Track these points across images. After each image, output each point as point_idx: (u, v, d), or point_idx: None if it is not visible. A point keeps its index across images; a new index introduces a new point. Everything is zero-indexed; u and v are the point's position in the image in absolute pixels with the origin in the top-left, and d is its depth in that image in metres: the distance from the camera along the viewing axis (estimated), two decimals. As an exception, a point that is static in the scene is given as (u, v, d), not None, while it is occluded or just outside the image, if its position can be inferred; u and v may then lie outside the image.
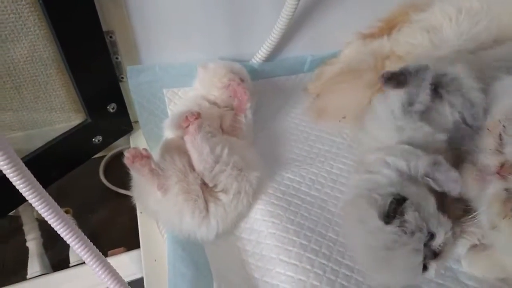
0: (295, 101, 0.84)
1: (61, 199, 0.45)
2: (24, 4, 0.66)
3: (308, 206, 0.61)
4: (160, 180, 0.53)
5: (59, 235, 0.45)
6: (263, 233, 0.58)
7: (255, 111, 0.76)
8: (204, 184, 0.56)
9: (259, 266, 0.55)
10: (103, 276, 0.47)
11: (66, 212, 0.79)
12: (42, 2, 0.59)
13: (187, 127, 0.56)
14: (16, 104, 0.77)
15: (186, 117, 0.56)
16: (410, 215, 0.46)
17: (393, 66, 0.78)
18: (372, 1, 0.82)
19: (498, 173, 0.45)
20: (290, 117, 0.79)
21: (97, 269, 0.47)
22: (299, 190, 0.64)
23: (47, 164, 0.66)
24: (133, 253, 0.67)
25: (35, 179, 0.42)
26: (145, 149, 0.54)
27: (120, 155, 0.58)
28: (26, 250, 0.73)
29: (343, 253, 0.55)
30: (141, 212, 0.66)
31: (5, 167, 0.39)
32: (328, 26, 0.83)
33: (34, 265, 0.71)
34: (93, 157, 1.00)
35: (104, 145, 0.75)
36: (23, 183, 0.41)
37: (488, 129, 0.49)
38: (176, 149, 0.58)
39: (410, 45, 0.80)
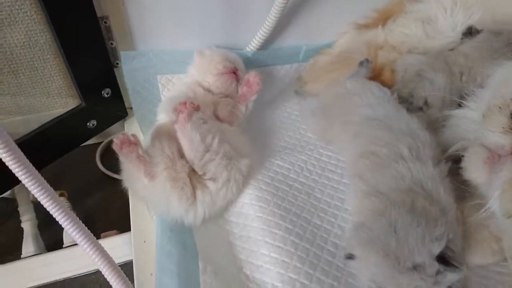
0: (289, 90, 0.85)
1: (57, 182, 0.47)
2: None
3: (295, 192, 0.63)
4: (147, 167, 0.55)
5: (53, 217, 0.46)
6: (251, 216, 0.59)
7: None
8: (192, 171, 0.57)
9: (245, 247, 0.56)
10: (94, 257, 0.48)
11: (61, 195, 0.81)
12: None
13: (179, 113, 0.57)
14: (14, 88, 0.78)
15: (185, 103, 0.56)
16: None
17: (386, 56, 0.79)
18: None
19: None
20: (283, 106, 0.80)
21: (88, 250, 0.47)
22: (287, 177, 0.65)
23: (42, 146, 0.68)
24: (126, 236, 0.69)
25: (28, 161, 0.43)
26: (134, 135, 0.55)
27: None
28: (21, 231, 0.75)
29: (326, 239, 0.56)
30: (132, 195, 0.67)
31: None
32: (323, 16, 0.83)
33: (28, 246, 0.73)
34: (90, 143, 1.03)
35: (99, 129, 0.76)
36: (16, 164, 0.42)
37: (499, 107, 0.48)
38: (166, 134, 0.59)
39: (404, 35, 0.81)
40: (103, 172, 0.94)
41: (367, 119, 0.61)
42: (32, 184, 0.43)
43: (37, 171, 0.44)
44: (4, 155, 0.41)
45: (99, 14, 0.66)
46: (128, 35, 0.72)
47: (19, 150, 0.42)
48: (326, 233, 0.57)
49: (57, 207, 0.45)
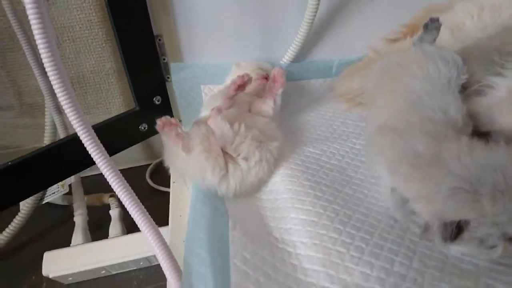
0: (322, 100, 0.89)
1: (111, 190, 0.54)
2: (95, 21, 0.83)
3: (327, 170, 0.63)
4: (185, 141, 0.61)
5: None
6: (281, 191, 0.60)
7: (281, 108, 0.83)
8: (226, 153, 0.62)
9: (275, 216, 0.57)
10: (151, 239, 0.51)
11: (111, 196, 0.88)
12: (111, 17, 0.72)
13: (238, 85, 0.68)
14: (82, 109, 0.92)
15: (242, 76, 0.67)
16: None
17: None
18: (395, 6, 0.89)
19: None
20: (316, 110, 0.84)
21: (148, 233, 0.49)
22: (319, 160, 0.66)
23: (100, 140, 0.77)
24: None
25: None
26: (174, 119, 0.62)
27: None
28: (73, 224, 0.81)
29: (359, 204, 0.55)
30: (174, 182, 0.72)
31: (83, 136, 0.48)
32: (353, 31, 0.90)
33: (78, 236, 0.78)
34: (142, 165, 1.13)
35: (149, 133, 0.85)
36: (94, 147, 0.49)
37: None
38: (204, 122, 0.66)
39: (433, 42, 0.84)
40: (151, 187, 1.02)
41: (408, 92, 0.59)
42: (106, 168, 0.49)
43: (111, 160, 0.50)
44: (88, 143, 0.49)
45: (154, 33, 0.80)
46: (178, 51, 0.84)
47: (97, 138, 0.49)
48: (359, 200, 0.56)
49: (124, 188, 0.50)
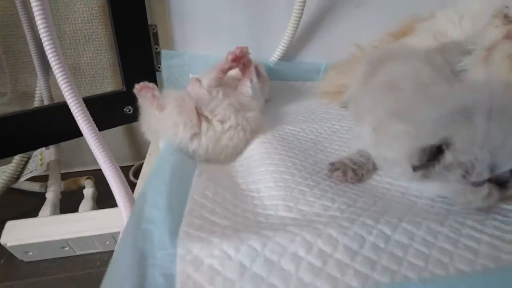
0: (307, 100, 0.90)
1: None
2: (96, 15, 0.88)
3: (302, 141, 0.62)
4: (159, 101, 0.62)
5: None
6: (254, 155, 0.59)
7: (268, 104, 0.84)
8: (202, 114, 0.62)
9: (244, 174, 0.55)
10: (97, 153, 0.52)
11: (88, 178, 0.86)
12: (109, 5, 0.78)
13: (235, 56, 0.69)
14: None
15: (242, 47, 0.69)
16: None
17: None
18: (381, 15, 0.93)
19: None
20: (301, 103, 0.85)
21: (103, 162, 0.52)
22: (296, 135, 0.65)
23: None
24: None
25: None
26: (153, 84, 0.64)
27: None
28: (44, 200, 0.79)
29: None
30: (149, 154, 0.71)
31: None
32: (340, 36, 0.94)
33: (45, 210, 0.75)
34: (125, 165, 1.12)
35: (134, 117, 0.85)
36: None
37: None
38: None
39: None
40: (133, 183, 1.00)
41: None
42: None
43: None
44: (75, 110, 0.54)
45: (149, 22, 0.84)
46: (171, 41, 0.88)
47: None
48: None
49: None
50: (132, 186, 0.96)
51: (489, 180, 0.38)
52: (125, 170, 1.07)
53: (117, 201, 0.48)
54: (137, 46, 0.83)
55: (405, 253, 0.33)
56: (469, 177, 0.38)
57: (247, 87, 0.73)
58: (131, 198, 0.48)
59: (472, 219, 0.38)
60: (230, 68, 0.71)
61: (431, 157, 0.39)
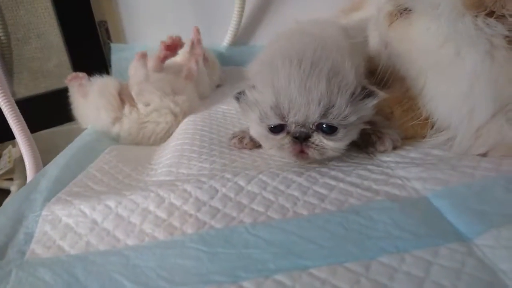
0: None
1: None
2: (54, 17, 0.93)
3: (228, 115, 0.63)
4: (85, 89, 0.65)
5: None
6: (174, 134, 0.60)
7: (217, 91, 0.85)
8: (125, 94, 0.64)
9: (161, 150, 0.56)
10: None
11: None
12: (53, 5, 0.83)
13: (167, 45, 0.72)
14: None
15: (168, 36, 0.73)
16: None
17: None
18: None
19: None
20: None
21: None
22: (227, 113, 0.66)
23: (36, 110, 0.81)
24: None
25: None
26: (83, 73, 0.67)
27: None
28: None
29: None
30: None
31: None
32: (290, 16, 0.94)
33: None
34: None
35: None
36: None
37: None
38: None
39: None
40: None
41: None
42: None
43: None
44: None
45: (99, 19, 0.87)
46: (123, 35, 0.91)
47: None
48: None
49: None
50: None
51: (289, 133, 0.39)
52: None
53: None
54: (87, 42, 0.87)
55: (251, 201, 0.34)
56: (263, 119, 0.39)
57: (193, 68, 0.75)
58: (39, 166, 0.51)
59: (338, 170, 0.38)
60: (165, 57, 0.73)
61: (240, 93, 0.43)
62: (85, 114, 0.64)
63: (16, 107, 0.61)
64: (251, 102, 0.40)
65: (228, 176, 0.37)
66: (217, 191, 0.36)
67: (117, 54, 0.88)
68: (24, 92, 0.95)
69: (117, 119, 0.61)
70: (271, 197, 0.34)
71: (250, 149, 0.48)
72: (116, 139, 0.61)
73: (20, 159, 0.88)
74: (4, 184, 0.95)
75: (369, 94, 0.39)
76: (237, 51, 0.94)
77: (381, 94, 0.39)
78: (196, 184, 0.36)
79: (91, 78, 0.66)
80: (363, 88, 0.39)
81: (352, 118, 0.38)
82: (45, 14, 0.92)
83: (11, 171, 0.90)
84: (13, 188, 0.84)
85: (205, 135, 0.54)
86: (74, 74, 0.67)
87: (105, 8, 0.89)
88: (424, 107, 0.43)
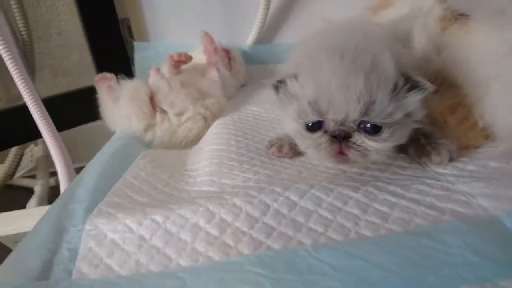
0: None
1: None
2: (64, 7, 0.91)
3: (259, 121, 0.61)
4: (114, 93, 0.63)
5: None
6: (206, 139, 0.58)
7: (243, 89, 0.83)
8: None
9: (194, 155, 0.54)
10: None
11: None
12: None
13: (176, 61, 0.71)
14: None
15: (180, 53, 0.70)
16: None
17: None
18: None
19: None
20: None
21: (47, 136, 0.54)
22: (257, 115, 0.64)
23: (60, 110, 0.80)
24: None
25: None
26: (111, 75, 0.65)
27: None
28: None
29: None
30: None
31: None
32: (318, 14, 0.91)
33: (32, 202, 0.79)
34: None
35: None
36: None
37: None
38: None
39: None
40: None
41: None
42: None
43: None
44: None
45: (122, 17, 0.85)
46: (145, 33, 0.89)
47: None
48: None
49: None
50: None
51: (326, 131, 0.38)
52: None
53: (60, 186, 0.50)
54: (109, 40, 0.85)
55: (307, 219, 0.32)
56: (301, 115, 0.38)
57: (214, 76, 0.73)
58: (71, 174, 0.50)
59: (395, 184, 0.36)
60: (176, 68, 0.72)
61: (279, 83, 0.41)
62: (115, 119, 0.62)
63: (43, 107, 0.59)
64: (290, 94, 0.39)
65: (278, 189, 0.35)
66: (268, 206, 0.34)
67: (140, 52, 0.86)
68: (45, 90, 0.95)
69: (149, 127, 0.59)
70: (328, 215, 0.32)
71: (291, 157, 0.46)
72: (147, 145, 0.60)
73: (43, 158, 0.88)
74: (25, 182, 0.94)
75: (414, 86, 0.36)
76: (262, 50, 0.91)
77: (429, 85, 0.36)
78: (246, 198, 0.34)
79: (120, 81, 0.64)
80: (407, 79, 0.36)
81: (398, 115, 0.36)
82: (66, 11, 0.91)
83: (33, 169, 0.89)
84: (36, 188, 0.83)
85: (240, 140, 0.52)
86: (102, 74, 0.65)
87: (127, 5, 0.87)
88: (482, 116, 0.40)
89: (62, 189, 0.51)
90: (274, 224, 0.32)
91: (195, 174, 0.46)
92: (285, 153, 0.45)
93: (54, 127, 0.59)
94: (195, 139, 0.62)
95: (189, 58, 0.72)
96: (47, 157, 0.90)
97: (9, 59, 0.55)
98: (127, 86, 0.62)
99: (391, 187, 0.36)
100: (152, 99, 0.61)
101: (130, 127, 0.59)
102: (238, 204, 0.34)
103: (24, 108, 0.80)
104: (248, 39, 0.90)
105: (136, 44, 0.86)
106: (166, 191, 0.42)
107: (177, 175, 0.47)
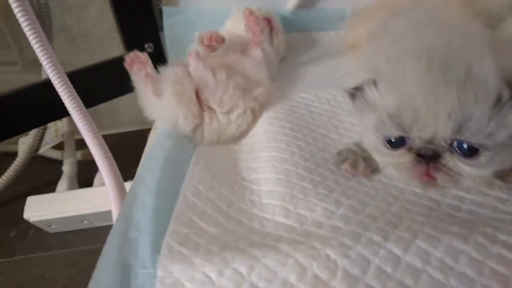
0: (330, 57, 0.80)
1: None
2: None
3: (315, 115, 0.55)
4: (155, 84, 0.55)
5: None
6: (259, 133, 0.53)
7: (283, 64, 0.75)
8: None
9: (248, 158, 0.50)
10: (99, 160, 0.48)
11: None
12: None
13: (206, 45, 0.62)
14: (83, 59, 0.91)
15: (211, 36, 0.62)
16: None
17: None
18: None
19: None
20: (321, 62, 0.75)
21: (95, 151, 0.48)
22: (310, 105, 0.58)
23: (85, 86, 0.73)
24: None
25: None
26: (144, 54, 0.56)
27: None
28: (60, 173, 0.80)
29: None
30: (155, 129, 0.67)
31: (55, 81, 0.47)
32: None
33: (62, 184, 0.76)
34: (145, 128, 1.09)
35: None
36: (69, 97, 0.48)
37: None
38: (182, 63, 0.58)
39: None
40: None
41: None
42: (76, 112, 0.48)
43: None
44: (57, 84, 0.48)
45: (148, -24, 0.75)
46: (173, -4, 0.79)
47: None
48: (343, 144, 0.47)
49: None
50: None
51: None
52: (141, 133, 1.05)
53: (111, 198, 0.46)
54: (135, 3, 0.75)
55: (416, 281, 0.28)
56: (380, 128, 0.34)
57: (258, 56, 0.64)
58: (123, 192, 0.45)
59: (506, 231, 0.32)
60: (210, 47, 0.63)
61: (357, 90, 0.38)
62: (157, 115, 0.56)
63: (70, 84, 0.51)
64: (368, 103, 0.35)
65: (376, 238, 0.31)
66: (368, 262, 0.30)
67: (170, 19, 0.77)
68: (66, 59, 0.88)
69: (196, 127, 0.53)
70: (440, 277, 0.28)
71: (368, 177, 0.41)
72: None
73: (69, 135, 0.83)
74: (50, 153, 0.91)
75: None
76: (303, 15, 0.82)
77: None
78: (340, 250, 0.30)
79: (160, 68, 0.56)
80: None
81: (501, 136, 0.31)
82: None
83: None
84: (65, 168, 0.80)
85: (302, 147, 0.46)
86: (133, 55, 0.56)
87: (155, -39, 0.76)
88: None
89: (113, 206, 0.47)
90: (378, 286, 0.28)
91: (257, 189, 0.42)
92: (362, 172, 0.40)
93: (83, 107, 0.50)
94: (241, 135, 0.56)
95: (221, 41, 0.62)
96: (73, 132, 0.86)
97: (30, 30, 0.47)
98: (171, 77, 0.54)
99: (502, 236, 0.31)
100: (197, 94, 0.54)
101: (176, 127, 0.53)
102: (333, 257, 0.30)
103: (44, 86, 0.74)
104: (289, 2, 0.80)
105: (165, 9, 0.77)
106: (233, 214, 0.38)
107: (237, 189, 0.43)
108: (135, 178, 0.44)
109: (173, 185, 0.42)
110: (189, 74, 0.55)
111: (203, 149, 0.52)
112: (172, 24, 0.77)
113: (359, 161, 0.41)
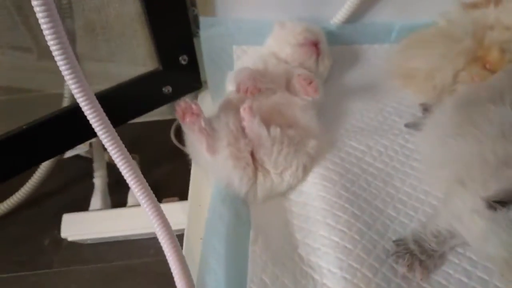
0: (375, 72, 0.76)
1: (131, 149, 0.47)
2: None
3: (369, 177, 0.54)
4: (210, 141, 0.52)
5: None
6: (312, 195, 0.53)
7: (326, 78, 0.71)
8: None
9: (303, 227, 0.50)
10: (152, 217, 0.45)
11: (132, 157, 0.84)
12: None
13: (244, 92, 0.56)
14: (105, 56, 0.84)
15: (247, 89, 0.56)
16: None
17: (496, 36, 0.65)
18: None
19: None
20: (366, 89, 0.71)
21: (148, 210, 0.44)
22: (361, 160, 0.57)
23: (119, 103, 0.70)
24: (186, 203, 0.68)
25: (105, 115, 0.41)
26: (196, 104, 0.52)
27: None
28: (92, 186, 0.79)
29: (401, 234, 0.47)
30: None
31: (80, 99, 0.39)
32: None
33: (96, 200, 0.76)
34: (167, 119, 1.06)
35: (173, 97, 0.76)
36: (95, 117, 0.41)
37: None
38: (233, 109, 0.55)
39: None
40: (175, 145, 0.97)
41: None
42: (106, 138, 0.41)
43: (112, 127, 0.42)
44: (85, 107, 0.41)
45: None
46: (210, 2, 0.71)
47: (98, 103, 0.40)
48: (402, 227, 0.48)
49: (126, 164, 0.43)
50: (173, 149, 0.95)
51: None
52: (166, 125, 1.03)
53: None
54: (170, 10, 0.68)
55: None
56: None
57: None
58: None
59: None
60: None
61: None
62: (211, 173, 0.55)
63: (98, 104, 0.45)
64: None
65: None
66: None
67: (207, 30, 0.71)
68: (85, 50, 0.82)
69: (251, 187, 0.52)
70: None
71: (425, 279, 0.42)
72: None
73: (98, 144, 0.81)
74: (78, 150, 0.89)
75: None
76: (350, 30, 0.76)
77: None
78: None
79: (209, 119, 0.53)
80: None
81: None
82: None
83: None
84: (96, 182, 0.79)
85: (363, 232, 0.46)
86: (184, 105, 0.51)
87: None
88: None
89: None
90: None
91: (320, 280, 0.43)
92: (420, 279, 0.41)
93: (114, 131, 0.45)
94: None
95: (257, 90, 0.57)
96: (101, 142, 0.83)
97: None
98: (227, 135, 0.51)
99: None
100: (251, 153, 0.52)
101: (230, 187, 0.52)
102: None
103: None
104: (336, 16, 0.73)
105: (202, 19, 0.70)
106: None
107: (299, 278, 0.44)
108: (200, 263, 0.44)
109: (238, 270, 0.43)
110: (243, 128, 0.53)
111: (256, 214, 0.52)
112: (210, 36, 0.71)
113: (416, 264, 0.42)
